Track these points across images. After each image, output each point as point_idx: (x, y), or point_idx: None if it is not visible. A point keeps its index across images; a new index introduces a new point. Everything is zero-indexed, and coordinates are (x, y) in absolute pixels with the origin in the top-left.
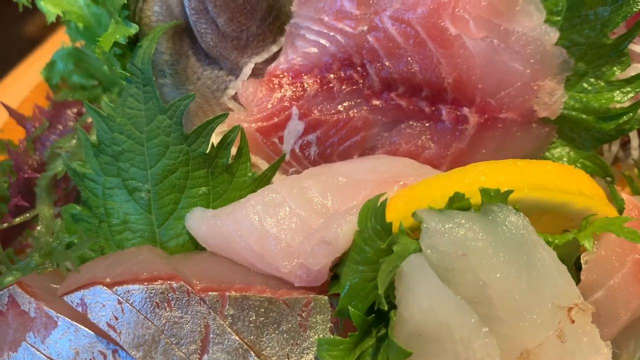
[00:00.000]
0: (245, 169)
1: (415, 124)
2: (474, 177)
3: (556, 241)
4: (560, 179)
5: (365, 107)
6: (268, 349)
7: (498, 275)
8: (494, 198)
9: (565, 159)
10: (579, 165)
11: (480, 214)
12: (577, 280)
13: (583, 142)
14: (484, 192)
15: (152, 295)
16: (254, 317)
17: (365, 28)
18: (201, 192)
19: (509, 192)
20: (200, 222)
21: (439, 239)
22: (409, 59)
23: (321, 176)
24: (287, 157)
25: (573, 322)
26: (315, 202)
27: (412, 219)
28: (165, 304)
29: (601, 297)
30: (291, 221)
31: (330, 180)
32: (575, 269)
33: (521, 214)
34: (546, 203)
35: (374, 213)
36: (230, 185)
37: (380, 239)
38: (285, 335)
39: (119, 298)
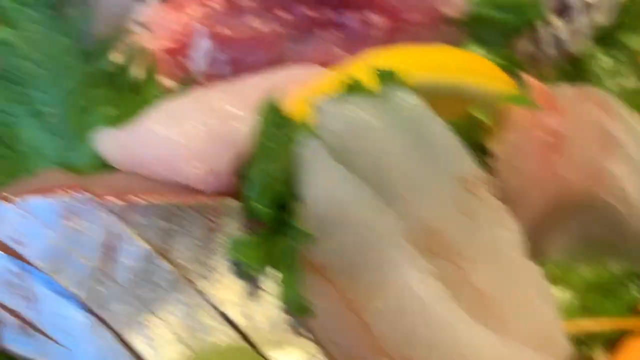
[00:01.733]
0: (153, 89)
1: (325, 33)
2: (367, 62)
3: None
4: (455, 59)
5: (274, 21)
6: (177, 253)
7: (392, 151)
8: (388, 80)
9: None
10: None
11: (375, 96)
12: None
13: (494, 39)
14: (378, 75)
15: (57, 206)
16: (160, 223)
17: None
18: (108, 112)
19: (402, 73)
20: (108, 140)
21: (334, 121)
22: None
23: (227, 87)
24: (200, 77)
25: (472, 193)
26: (219, 109)
27: (311, 111)
28: (71, 215)
29: (515, 184)
30: (196, 129)
31: (236, 89)
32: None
33: (413, 92)
34: (444, 84)
35: (273, 109)
36: (139, 105)
37: (281, 133)
38: (195, 240)
39: (22, 211)
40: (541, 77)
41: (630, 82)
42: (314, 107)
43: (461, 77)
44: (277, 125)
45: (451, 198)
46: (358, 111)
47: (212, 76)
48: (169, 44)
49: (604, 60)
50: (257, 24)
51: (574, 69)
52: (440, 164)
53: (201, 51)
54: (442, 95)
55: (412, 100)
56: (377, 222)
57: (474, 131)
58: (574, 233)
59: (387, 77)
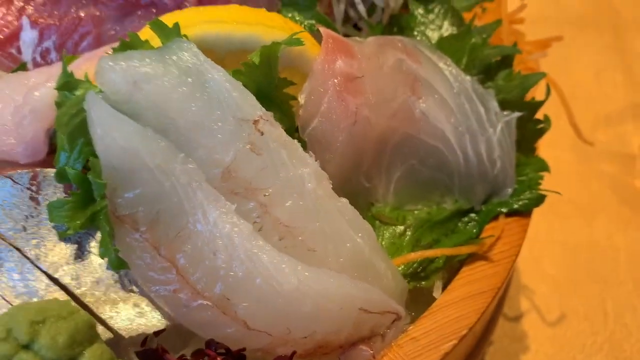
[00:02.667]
0: None
1: (142, 12)
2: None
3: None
4: (242, 14)
5: (92, 6)
6: (2, 224)
7: (173, 97)
8: (168, 34)
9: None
10: (306, 26)
11: (154, 50)
12: None
13: (304, 2)
14: (157, 28)
15: None
16: None
17: None
18: None
19: (177, 25)
20: None
21: (112, 74)
22: None
23: (43, 68)
24: (30, 66)
25: (262, 134)
26: (28, 88)
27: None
28: None
29: (317, 125)
30: (7, 107)
31: (49, 68)
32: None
33: (191, 43)
34: (229, 37)
35: (65, 73)
36: None
37: (76, 98)
38: (17, 210)
39: None
40: (357, 33)
41: (446, 31)
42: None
43: (248, 30)
44: (67, 88)
45: (243, 139)
46: (135, 62)
47: (42, 64)
48: None
49: (421, 13)
50: (76, 10)
51: (393, 26)
52: (224, 108)
53: (27, 41)
54: (232, 49)
55: (190, 51)
56: (173, 168)
57: (265, 77)
58: (402, 175)
59: (168, 31)
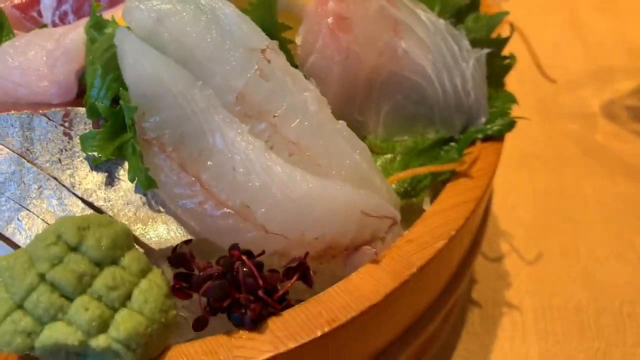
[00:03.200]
0: (9, 39)
1: None
2: None
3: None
4: None
5: None
6: (40, 157)
7: (191, 31)
8: None
9: None
10: None
11: None
12: None
13: None
14: None
15: None
16: (20, 132)
17: None
18: None
19: None
20: None
21: (138, 12)
22: None
23: (68, 25)
24: (50, 27)
25: (269, 61)
26: (57, 36)
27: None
28: None
29: (314, 60)
30: (37, 52)
31: (74, 24)
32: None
33: None
34: None
35: (93, 17)
36: None
37: (105, 37)
38: (53, 144)
39: None
40: None
41: None
42: (124, 9)
43: None
44: (97, 30)
45: (253, 67)
46: (159, 3)
47: (61, 25)
48: (19, 1)
49: None
50: None
51: None
52: (235, 39)
53: (47, 4)
54: None
55: None
56: (193, 94)
57: (267, 14)
58: (390, 109)
59: None
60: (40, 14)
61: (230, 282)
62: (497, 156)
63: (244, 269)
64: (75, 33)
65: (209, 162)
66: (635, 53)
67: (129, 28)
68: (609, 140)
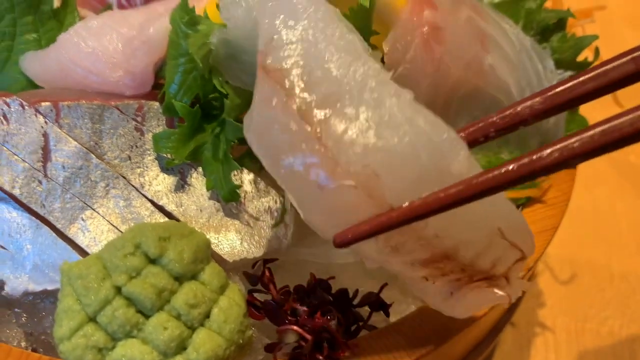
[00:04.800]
0: (72, 17)
1: None
2: None
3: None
4: None
5: None
6: (109, 152)
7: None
8: None
9: None
10: None
11: None
12: None
13: None
14: None
15: None
16: (89, 124)
17: None
18: (32, 38)
19: None
20: (33, 60)
21: (235, 8)
22: None
23: (142, 7)
24: (115, 8)
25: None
26: (134, 21)
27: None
28: (2, 118)
29: (403, 71)
30: (113, 38)
31: (150, 7)
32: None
33: None
34: None
35: (182, 8)
36: (60, 31)
37: (189, 28)
38: (123, 139)
39: None
40: None
41: None
42: (219, 3)
43: None
44: (186, 24)
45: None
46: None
47: (126, 7)
48: None
49: None
50: None
51: None
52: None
53: None
54: None
55: None
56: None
57: (365, 22)
58: (466, 124)
59: None
60: None
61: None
62: (572, 182)
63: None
64: (159, 23)
65: (335, 110)
66: None
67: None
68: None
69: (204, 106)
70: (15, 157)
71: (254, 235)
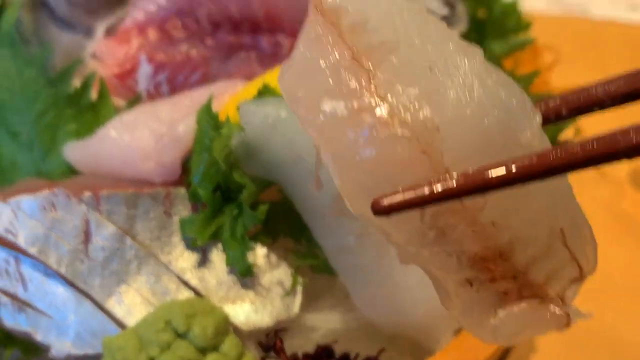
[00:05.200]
0: (108, 108)
1: (243, 54)
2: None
3: None
4: None
5: (202, 47)
6: (141, 234)
7: (302, 136)
8: None
9: None
10: None
11: (281, 97)
12: None
13: None
14: None
15: (38, 201)
16: (125, 210)
17: None
18: (72, 128)
19: None
20: (75, 150)
21: (253, 116)
22: (227, 2)
23: (168, 100)
24: (144, 96)
25: None
26: (164, 117)
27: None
28: (51, 207)
29: None
30: (145, 133)
31: (176, 101)
32: None
33: None
34: None
35: (207, 111)
36: (97, 121)
37: (213, 129)
38: (154, 223)
39: (12, 208)
40: None
41: None
42: (238, 109)
43: None
44: (210, 124)
45: None
46: (270, 107)
47: (154, 95)
48: (117, 70)
49: None
50: (187, 50)
51: None
52: None
53: (143, 75)
54: None
55: None
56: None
57: None
58: None
59: None
60: (135, 82)
61: None
62: None
63: None
64: (186, 123)
65: (396, 53)
66: None
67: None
68: (637, 208)
69: (224, 191)
70: (62, 240)
71: (267, 305)
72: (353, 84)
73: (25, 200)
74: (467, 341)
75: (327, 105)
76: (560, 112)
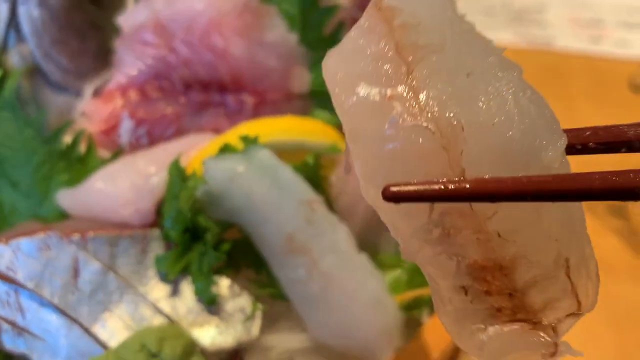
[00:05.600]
0: (95, 160)
1: (212, 110)
2: (238, 132)
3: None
4: (296, 125)
5: (176, 104)
6: (122, 268)
7: (256, 188)
8: (250, 142)
9: (325, 119)
10: (333, 122)
11: (242, 153)
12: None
13: (331, 106)
14: (243, 139)
15: (35, 242)
16: (108, 249)
17: (165, 50)
18: (64, 178)
19: (258, 137)
20: (65, 197)
21: (214, 172)
22: (198, 67)
23: (146, 153)
24: (126, 148)
25: (314, 210)
26: (141, 169)
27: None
28: (46, 247)
29: (344, 199)
30: (125, 183)
31: (152, 153)
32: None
33: (267, 149)
34: (288, 142)
35: (176, 166)
36: (85, 172)
37: (181, 181)
38: (132, 259)
39: (12, 249)
40: None
41: None
42: (203, 164)
43: (301, 136)
44: (178, 177)
45: (301, 215)
46: (230, 163)
47: (135, 146)
48: (103, 126)
49: None
50: (163, 107)
51: None
52: (291, 194)
53: (126, 129)
54: (289, 149)
55: (267, 155)
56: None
57: (313, 171)
58: None
59: (250, 140)
60: (118, 136)
61: None
62: None
63: None
64: (160, 175)
65: (439, 54)
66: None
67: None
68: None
69: (192, 232)
70: (55, 275)
71: (230, 329)
72: (391, 73)
73: (24, 242)
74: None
75: (362, 89)
76: (587, 143)
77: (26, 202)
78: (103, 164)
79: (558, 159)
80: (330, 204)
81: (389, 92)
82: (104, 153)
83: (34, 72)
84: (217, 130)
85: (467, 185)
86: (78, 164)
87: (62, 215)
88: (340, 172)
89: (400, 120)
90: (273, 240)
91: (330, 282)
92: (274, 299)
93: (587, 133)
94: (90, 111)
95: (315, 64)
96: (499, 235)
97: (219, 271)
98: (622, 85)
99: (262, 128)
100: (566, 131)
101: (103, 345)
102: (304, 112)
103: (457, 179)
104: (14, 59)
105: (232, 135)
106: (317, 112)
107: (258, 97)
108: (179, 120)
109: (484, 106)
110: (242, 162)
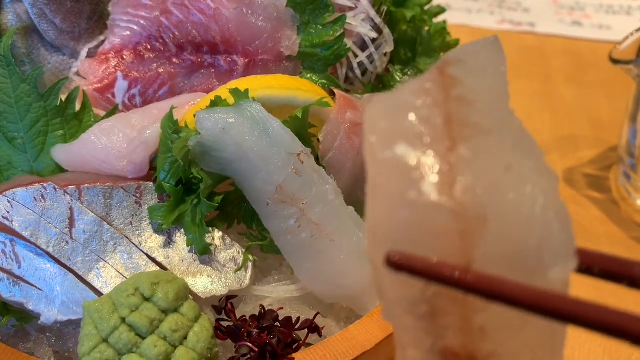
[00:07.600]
0: (89, 117)
1: (204, 71)
2: (229, 87)
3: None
4: (285, 82)
5: (168, 65)
6: (116, 219)
7: (247, 138)
8: (240, 96)
9: (313, 81)
10: (320, 83)
11: (233, 106)
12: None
13: (318, 67)
14: (233, 92)
15: (30, 193)
16: (103, 200)
17: (158, 12)
18: (60, 134)
19: (248, 90)
20: (61, 151)
21: (206, 122)
22: (190, 28)
23: (140, 110)
24: (120, 107)
25: (302, 162)
26: (135, 124)
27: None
28: (41, 198)
29: (332, 155)
30: (120, 138)
31: (146, 110)
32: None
33: (257, 103)
34: (278, 98)
35: (169, 119)
36: (80, 128)
37: (174, 134)
38: (126, 210)
39: (8, 198)
40: (354, 90)
41: None
42: (195, 117)
43: (290, 93)
44: (172, 130)
45: (288, 164)
46: (221, 115)
47: (129, 106)
48: (98, 86)
49: (399, 74)
50: (156, 68)
51: (379, 84)
52: (279, 145)
53: (120, 89)
54: (278, 105)
55: (257, 108)
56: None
57: (301, 125)
58: None
59: (240, 94)
60: (113, 95)
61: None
62: None
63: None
64: (153, 129)
65: (483, 136)
66: (596, 123)
67: (199, 132)
68: (568, 204)
69: (185, 185)
70: (50, 225)
71: (222, 278)
72: (433, 143)
73: (20, 192)
74: None
75: (400, 148)
76: (593, 267)
77: (22, 157)
78: (98, 121)
79: (562, 279)
80: (317, 160)
81: (425, 160)
82: (98, 112)
83: (30, 31)
84: (209, 91)
85: (471, 278)
86: (73, 120)
87: (58, 170)
88: (330, 126)
89: (427, 192)
90: (263, 190)
91: (319, 231)
92: (265, 251)
93: (596, 258)
94: (85, 71)
95: (303, 27)
96: (482, 331)
97: (212, 223)
98: (602, 67)
99: (252, 84)
100: (578, 251)
101: (97, 293)
102: (294, 73)
103: (463, 268)
104: (9, 17)
105: (223, 90)
106: (306, 73)
107: (249, 58)
108: (171, 80)
109: (513, 206)
110: (233, 113)
